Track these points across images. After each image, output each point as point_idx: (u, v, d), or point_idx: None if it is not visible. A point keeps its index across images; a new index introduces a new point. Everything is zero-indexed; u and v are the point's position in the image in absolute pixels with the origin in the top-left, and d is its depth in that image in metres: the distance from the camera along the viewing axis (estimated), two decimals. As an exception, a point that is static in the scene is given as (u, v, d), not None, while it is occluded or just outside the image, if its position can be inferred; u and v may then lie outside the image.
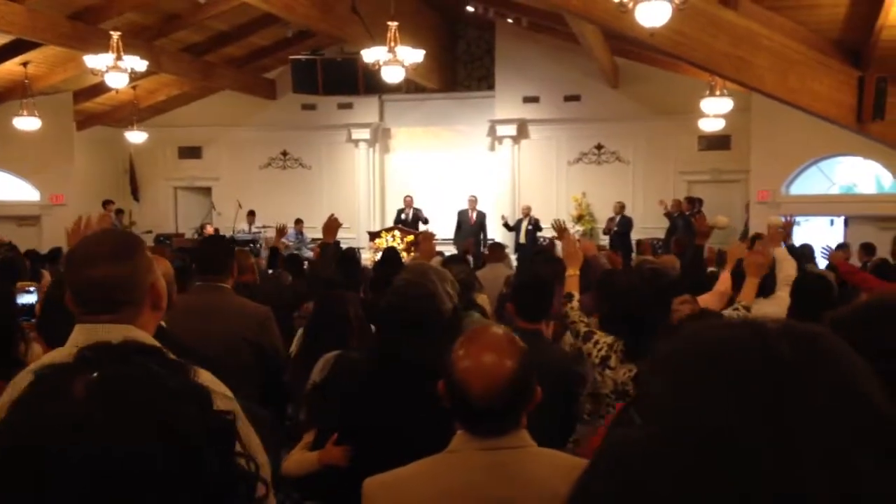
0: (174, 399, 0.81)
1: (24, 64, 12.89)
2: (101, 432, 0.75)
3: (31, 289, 4.33)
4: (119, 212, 15.59)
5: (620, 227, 14.19)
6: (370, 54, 10.15)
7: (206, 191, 17.71)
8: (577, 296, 3.68)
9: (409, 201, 15.09)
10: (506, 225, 14.79)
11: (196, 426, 0.81)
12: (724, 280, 4.43)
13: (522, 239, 14.34)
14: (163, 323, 2.75)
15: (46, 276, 6.25)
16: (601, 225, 15.13)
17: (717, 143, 14.92)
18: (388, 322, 2.97)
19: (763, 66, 8.85)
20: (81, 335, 1.83)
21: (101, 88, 14.18)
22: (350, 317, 3.60)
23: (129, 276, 1.84)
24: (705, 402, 0.63)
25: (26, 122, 13.63)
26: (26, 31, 10.97)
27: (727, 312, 3.79)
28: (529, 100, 15.92)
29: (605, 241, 14.14)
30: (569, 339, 3.72)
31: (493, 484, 1.68)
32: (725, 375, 0.63)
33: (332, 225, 5.69)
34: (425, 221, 14.39)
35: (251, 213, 15.78)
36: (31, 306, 4.03)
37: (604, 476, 0.67)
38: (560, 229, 4.96)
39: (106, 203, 15.21)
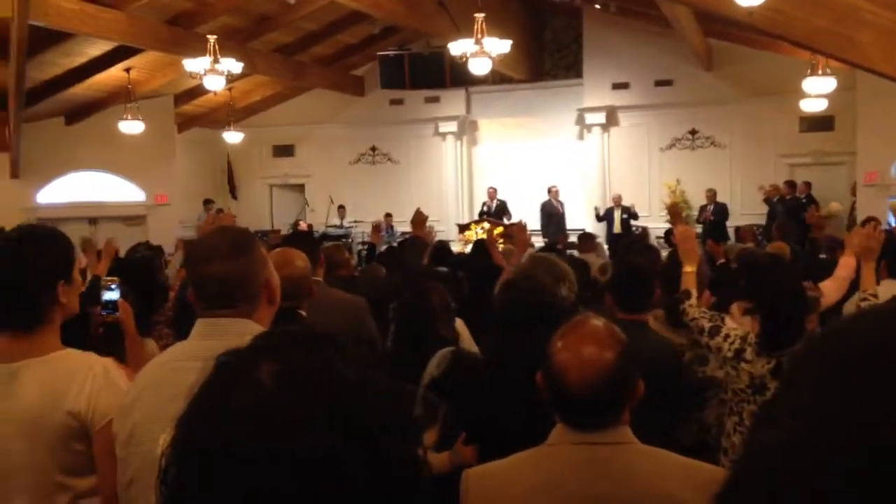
0: (358, 389, 0.81)
1: (127, 70, 13.46)
2: (288, 420, 0.75)
3: (113, 286, 4.50)
4: (219, 210, 16.13)
5: (715, 216, 13.76)
6: (457, 47, 10.17)
7: (300, 188, 18.14)
8: (694, 293, 3.51)
9: (492, 193, 15.07)
10: (597, 215, 14.58)
11: (378, 417, 0.80)
12: (846, 265, 4.19)
13: (617, 228, 14.11)
14: (303, 312, 2.83)
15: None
16: (696, 212, 14.73)
17: (820, 123, 14.29)
18: (504, 318, 2.96)
19: (867, 42, 8.41)
20: (202, 329, 1.90)
21: (199, 91, 14.70)
22: (433, 307, 3.58)
23: (244, 272, 1.90)
24: (861, 404, 0.57)
25: (130, 126, 14.25)
26: (127, 37, 11.46)
27: (856, 302, 3.60)
28: (619, 86, 15.63)
29: (698, 229, 13.74)
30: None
31: (590, 480, 1.65)
32: (887, 374, 0.57)
33: (419, 218, 5.73)
34: (508, 215, 14.33)
35: (342, 209, 16.07)
36: (114, 301, 4.21)
37: (747, 488, 0.62)
38: (675, 215, 4.80)
39: (206, 202, 15.79)
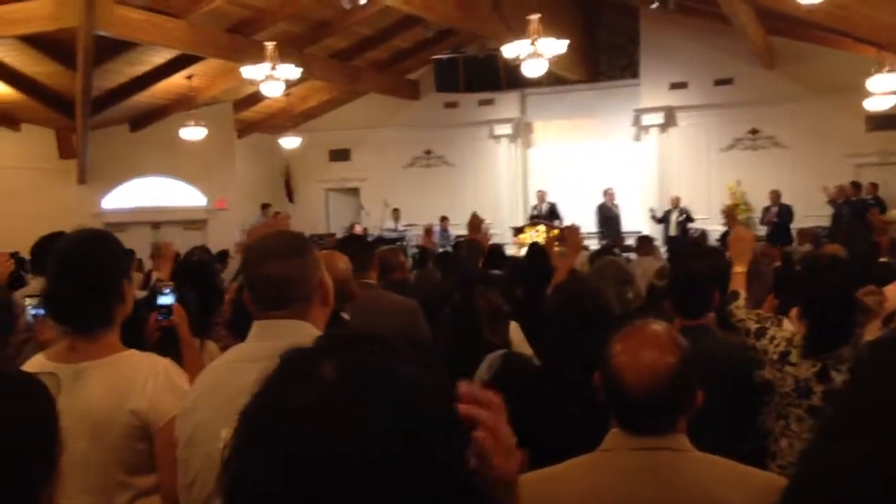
0: (416, 390, 0.82)
1: (189, 77, 13.79)
2: (347, 419, 0.77)
3: (167, 290, 4.58)
4: (277, 213, 16.37)
5: (780, 218, 13.42)
6: (511, 49, 10.14)
7: (355, 191, 18.31)
8: (743, 294, 3.46)
9: (541, 195, 14.98)
10: (654, 217, 14.37)
11: (434, 419, 0.81)
12: None
13: (673, 231, 13.89)
14: (345, 315, 2.86)
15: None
16: (758, 214, 14.38)
17: (887, 122, 13.81)
18: (555, 320, 2.94)
19: (938, 37, 8.11)
20: (258, 330, 1.93)
21: (257, 97, 14.96)
22: (479, 310, 3.55)
23: (299, 274, 1.92)
24: None
25: (192, 132, 14.60)
26: (189, 45, 11.75)
27: None
28: (677, 86, 15.39)
29: (762, 231, 13.41)
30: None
31: (646, 486, 1.63)
32: None
33: (475, 222, 5.75)
34: (559, 218, 14.23)
35: (396, 212, 16.17)
36: (169, 305, 4.28)
37: (810, 497, 0.60)
38: (731, 217, 4.72)
39: (264, 206, 16.06)
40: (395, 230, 15.69)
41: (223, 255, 9.70)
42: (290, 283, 1.90)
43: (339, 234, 16.44)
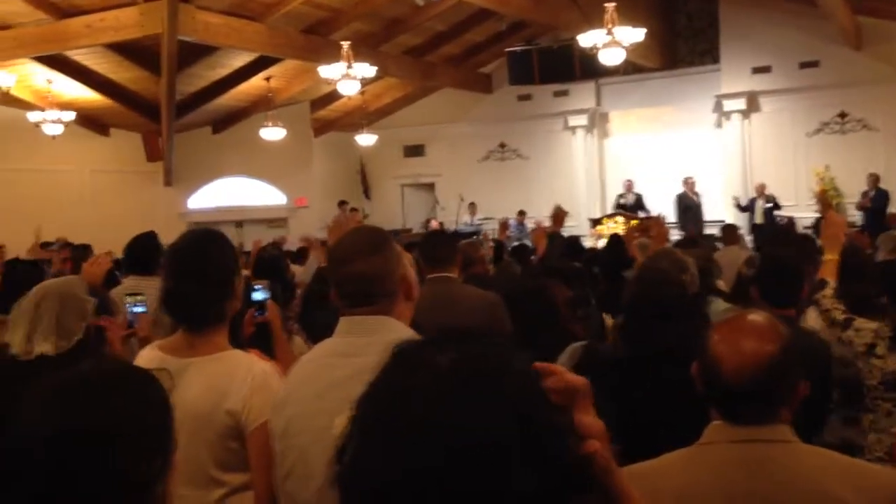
0: (527, 380, 0.84)
1: (267, 79, 14.11)
2: (463, 406, 0.78)
3: (258, 287, 4.72)
4: (353, 210, 16.61)
5: (875, 203, 12.82)
6: (587, 38, 10.00)
7: (430, 187, 18.41)
8: (832, 283, 3.34)
9: (628, 185, 14.71)
10: (738, 205, 13.96)
11: (542, 408, 0.82)
12: None
13: (759, 219, 13.45)
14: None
15: (298, 271, 6.81)
16: (848, 199, 13.78)
17: None
18: (633, 311, 2.89)
19: None
20: (345, 326, 1.95)
21: (333, 96, 15.20)
22: (552, 302, 3.53)
23: (381, 269, 1.94)
24: None
25: (271, 133, 14.94)
26: (268, 48, 12.02)
27: None
28: (759, 70, 14.89)
29: (856, 217, 12.83)
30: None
31: (749, 479, 1.57)
32: None
33: (558, 214, 5.71)
34: (645, 208, 13.96)
35: (472, 206, 16.18)
36: (263, 301, 4.43)
37: None
38: (824, 202, 4.55)
39: (341, 203, 16.30)
40: (471, 224, 15.70)
41: (302, 252, 9.87)
42: (375, 279, 1.92)
43: (416, 230, 16.57)
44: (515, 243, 10.72)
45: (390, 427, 0.79)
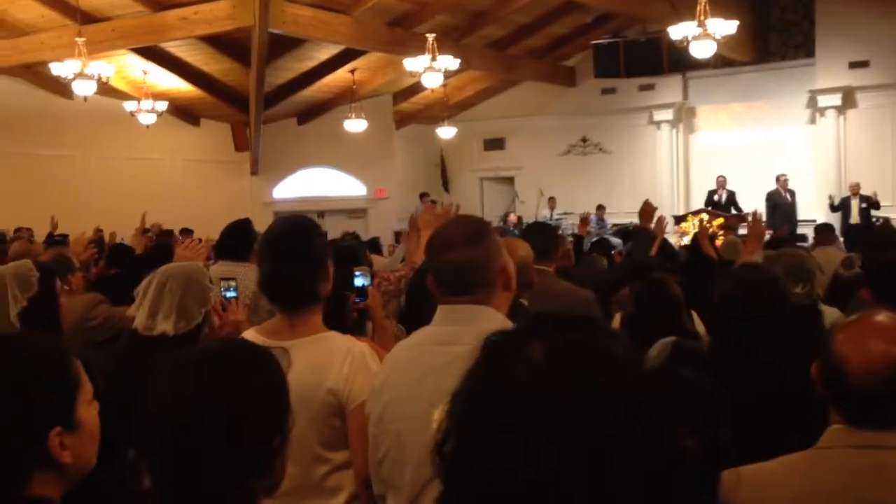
0: (631, 368, 0.81)
1: (352, 71, 14.30)
2: (564, 396, 0.77)
3: (358, 273, 4.84)
4: (432, 203, 16.69)
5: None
6: (677, 31, 9.77)
7: (510, 180, 18.34)
8: None
9: (721, 182, 14.31)
10: (831, 205, 13.43)
11: (652, 398, 0.80)
12: None
13: (854, 219, 12.91)
14: (524, 301, 2.87)
15: (379, 261, 6.89)
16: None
17: None
18: (726, 308, 2.81)
19: None
20: (443, 315, 1.95)
21: (415, 89, 15.29)
22: (674, 297, 3.49)
23: (481, 259, 1.94)
24: None
25: (354, 125, 15.14)
26: (353, 40, 12.17)
27: None
28: (857, 65, 14.26)
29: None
30: None
31: (870, 487, 1.50)
32: None
33: (647, 210, 5.60)
34: (737, 206, 13.58)
35: (552, 200, 16.05)
36: (363, 287, 4.56)
37: None
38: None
39: (422, 195, 16.40)
40: (550, 219, 15.57)
41: (374, 242, 9.96)
42: (473, 268, 1.92)
43: (494, 224, 16.55)
44: (594, 238, 10.60)
45: (488, 421, 0.79)
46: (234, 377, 1.14)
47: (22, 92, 13.62)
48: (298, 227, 2.31)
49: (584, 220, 7.54)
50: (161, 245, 6.19)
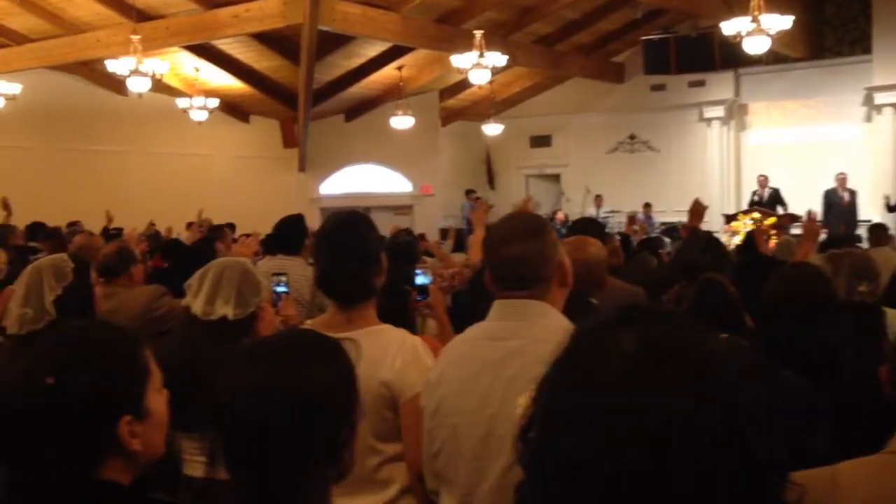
0: (721, 363, 0.79)
1: (399, 68, 14.35)
2: (655, 389, 0.76)
3: (419, 271, 4.90)
4: (477, 200, 16.66)
5: None
6: (730, 26, 9.60)
7: (555, 178, 18.24)
8: None
9: (762, 181, 14.05)
10: (888, 205, 13.07)
11: (747, 394, 0.78)
12: None
13: (912, 220, 12.54)
14: (593, 301, 2.86)
15: (427, 261, 6.93)
16: None
17: None
18: (777, 308, 2.76)
19: None
20: (499, 310, 1.96)
21: (462, 85, 15.27)
22: (731, 295, 3.44)
23: (538, 254, 1.93)
24: None
25: (401, 122, 15.20)
26: (401, 37, 12.21)
27: None
28: (916, 61, 13.87)
29: None
30: None
31: None
32: None
33: (697, 209, 5.51)
34: (783, 204, 13.29)
35: (598, 198, 15.91)
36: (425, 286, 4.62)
37: None
38: None
39: (468, 192, 16.41)
40: (596, 216, 15.44)
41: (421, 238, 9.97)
42: (530, 263, 1.92)
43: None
44: (641, 237, 10.48)
45: (578, 410, 0.78)
46: (307, 367, 1.15)
47: (78, 89, 13.97)
48: (352, 222, 2.34)
49: (632, 219, 7.48)
50: (207, 239, 6.31)
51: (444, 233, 12.64)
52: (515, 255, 1.91)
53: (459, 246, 8.53)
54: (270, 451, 1.11)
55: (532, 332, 1.87)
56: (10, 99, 11.86)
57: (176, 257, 5.42)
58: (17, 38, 12.46)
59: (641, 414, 0.74)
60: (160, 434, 1.26)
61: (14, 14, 11.75)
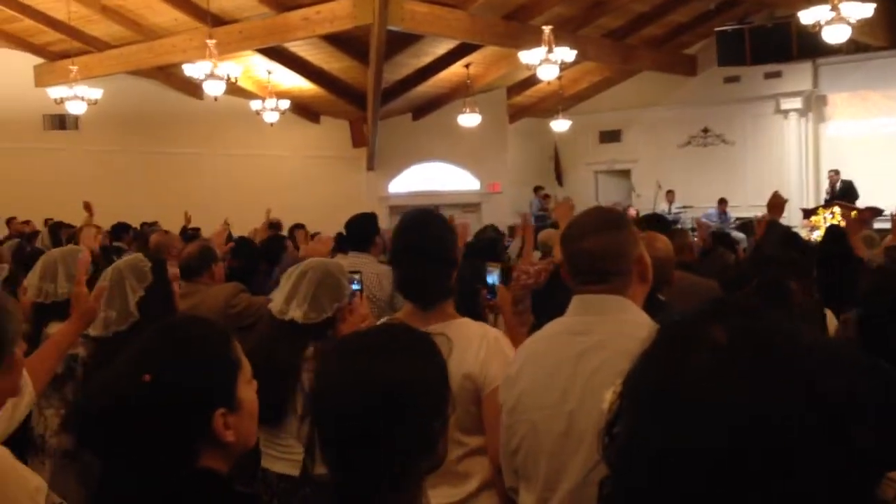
0: (817, 357, 0.77)
1: (467, 66, 14.35)
2: (747, 380, 0.74)
3: (490, 269, 4.91)
4: (545, 197, 16.57)
5: None
6: (808, 15, 9.28)
7: (625, 173, 17.97)
8: None
9: (832, 177, 13.65)
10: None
11: (845, 389, 0.75)
12: None
13: None
14: (661, 297, 2.82)
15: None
16: None
17: None
18: (871, 306, 2.66)
19: None
20: (578, 305, 1.93)
21: (530, 82, 15.20)
22: (792, 294, 3.31)
23: (615, 248, 1.90)
24: None
25: (468, 119, 15.21)
26: (469, 35, 12.21)
27: None
28: None
29: None
30: None
31: None
32: None
33: (777, 201, 5.38)
34: (856, 197, 12.81)
35: (670, 193, 15.61)
36: (494, 285, 4.62)
37: None
38: None
39: (536, 189, 16.31)
40: (668, 212, 15.15)
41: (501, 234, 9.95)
42: (608, 257, 1.89)
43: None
44: (726, 231, 10.23)
45: (667, 404, 0.76)
46: (401, 361, 1.16)
47: (156, 93, 14.44)
48: (428, 223, 2.33)
49: (703, 225, 7.37)
50: (273, 238, 6.44)
51: (511, 230, 12.59)
52: (593, 247, 1.89)
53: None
54: (366, 444, 1.13)
55: (612, 327, 1.84)
56: (93, 104, 12.29)
57: (246, 256, 5.56)
58: (98, 45, 12.94)
59: (733, 407, 0.73)
60: (252, 424, 1.28)
61: (95, 21, 12.20)
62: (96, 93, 12.23)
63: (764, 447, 0.72)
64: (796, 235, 6.28)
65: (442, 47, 13.53)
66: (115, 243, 7.85)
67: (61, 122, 13.84)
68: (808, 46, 11.31)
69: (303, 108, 15.55)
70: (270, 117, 13.76)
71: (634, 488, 0.78)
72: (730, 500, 0.72)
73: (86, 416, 1.15)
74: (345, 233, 4.63)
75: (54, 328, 2.42)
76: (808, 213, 12.70)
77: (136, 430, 1.13)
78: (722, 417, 0.73)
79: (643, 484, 0.77)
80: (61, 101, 12.02)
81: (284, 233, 8.30)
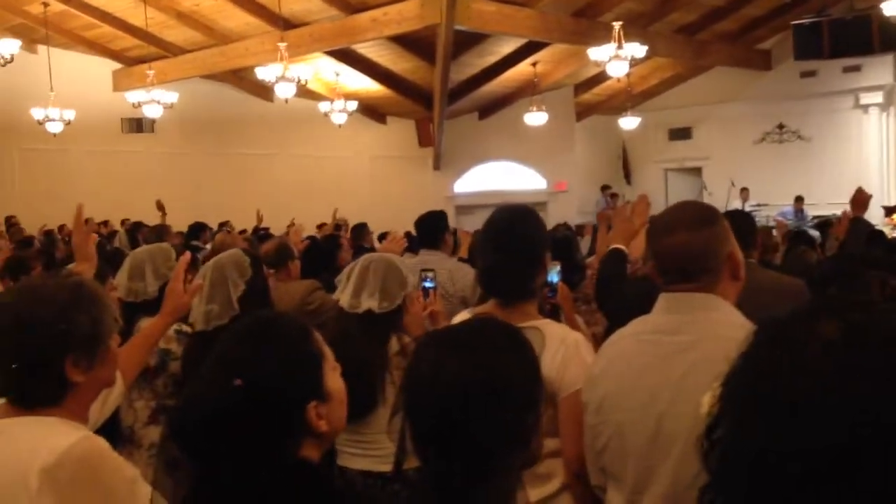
0: None
1: (534, 64, 14.26)
2: (861, 376, 0.71)
3: (552, 268, 4.82)
4: (613, 196, 16.35)
5: None
6: (890, 6, 8.93)
7: (696, 171, 17.59)
8: None
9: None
10: None
11: None
12: None
13: None
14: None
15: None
16: None
17: None
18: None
19: None
20: (665, 303, 1.87)
21: (597, 79, 15.00)
22: (870, 294, 3.17)
23: (704, 244, 1.84)
24: None
25: (535, 118, 15.11)
26: (537, 33, 12.12)
27: None
28: None
29: None
30: None
31: None
32: None
33: (861, 197, 5.20)
34: None
35: (744, 191, 15.22)
36: (555, 283, 4.54)
37: None
38: None
39: (604, 188, 16.11)
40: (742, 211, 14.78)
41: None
42: (697, 253, 1.83)
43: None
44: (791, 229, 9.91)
45: (773, 406, 0.74)
46: (495, 355, 1.16)
47: (229, 96, 14.77)
48: (520, 220, 2.27)
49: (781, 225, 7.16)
50: (331, 236, 6.53)
51: (578, 229, 12.47)
52: (679, 244, 1.83)
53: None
54: (461, 439, 1.12)
55: (704, 327, 1.78)
56: (168, 108, 12.65)
57: (306, 255, 5.68)
58: (174, 50, 13.31)
59: (841, 405, 0.71)
60: (342, 410, 1.29)
61: (171, 27, 12.55)
62: (172, 96, 12.57)
63: (885, 442, 0.69)
64: (881, 233, 6.05)
65: (508, 46, 13.47)
66: (193, 242, 8.05)
67: (138, 125, 14.29)
68: (890, 39, 10.87)
69: (370, 109, 15.70)
70: (338, 118, 13.93)
71: (737, 495, 0.76)
72: (838, 500, 0.70)
73: (184, 428, 1.16)
74: (414, 232, 4.64)
75: (144, 324, 2.47)
76: (889, 211, 12.23)
77: (234, 434, 1.13)
78: (841, 414, 0.70)
79: (744, 489, 0.75)
80: (138, 105, 12.40)
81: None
